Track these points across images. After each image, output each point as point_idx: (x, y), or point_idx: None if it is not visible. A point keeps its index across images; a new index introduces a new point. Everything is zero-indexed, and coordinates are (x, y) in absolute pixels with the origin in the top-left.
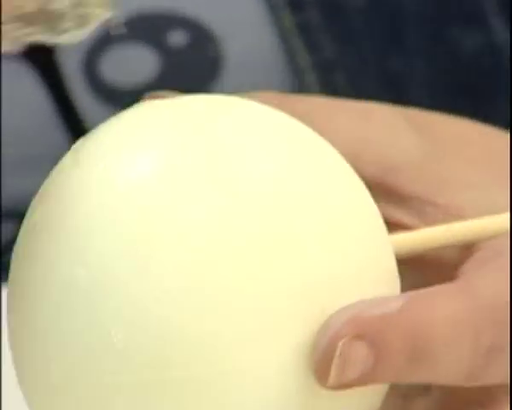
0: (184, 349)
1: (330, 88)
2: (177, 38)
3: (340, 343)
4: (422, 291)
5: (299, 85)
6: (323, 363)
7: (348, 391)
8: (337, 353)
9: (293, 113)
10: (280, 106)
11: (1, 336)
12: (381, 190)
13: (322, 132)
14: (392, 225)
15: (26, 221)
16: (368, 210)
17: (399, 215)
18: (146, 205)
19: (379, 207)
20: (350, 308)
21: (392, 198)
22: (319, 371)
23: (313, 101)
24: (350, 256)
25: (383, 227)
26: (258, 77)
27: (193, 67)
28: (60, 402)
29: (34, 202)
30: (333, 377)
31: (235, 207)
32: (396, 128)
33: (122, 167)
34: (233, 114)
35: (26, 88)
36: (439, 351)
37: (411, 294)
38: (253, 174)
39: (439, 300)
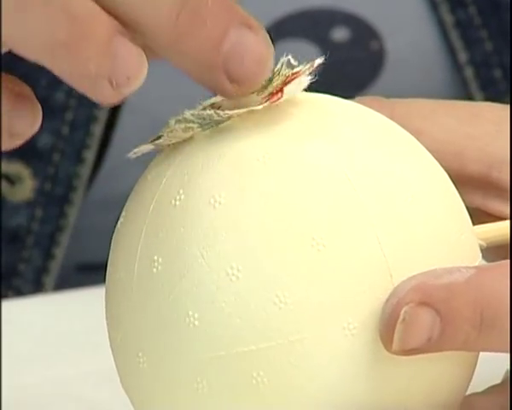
0: (257, 321)
1: (488, 83)
2: (340, 33)
3: (404, 309)
4: (492, 264)
5: (457, 81)
6: (388, 328)
7: (424, 361)
8: (400, 318)
9: (392, 114)
10: (380, 109)
11: (1, 339)
12: (486, 185)
13: (421, 131)
14: (497, 219)
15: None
16: (450, 200)
17: (504, 208)
18: None
19: (484, 201)
20: (417, 277)
21: (497, 192)
22: (384, 336)
23: (413, 103)
24: (426, 234)
25: (466, 218)
26: (419, 71)
27: (356, 62)
28: (148, 385)
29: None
30: (396, 342)
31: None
32: (501, 125)
33: None
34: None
35: None
36: (507, 321)
37: (480, 266)
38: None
39: (507, 271)
